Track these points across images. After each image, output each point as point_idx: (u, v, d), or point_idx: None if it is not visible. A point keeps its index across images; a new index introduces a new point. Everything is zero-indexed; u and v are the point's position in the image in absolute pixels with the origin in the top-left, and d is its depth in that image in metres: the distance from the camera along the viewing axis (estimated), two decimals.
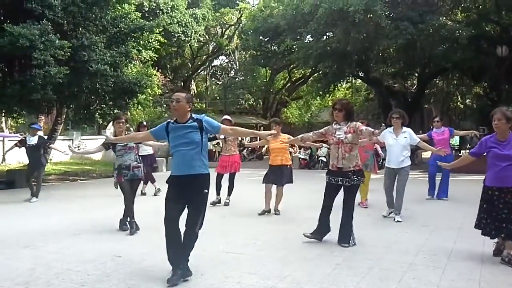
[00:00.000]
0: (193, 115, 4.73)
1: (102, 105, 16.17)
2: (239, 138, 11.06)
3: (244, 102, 37.79)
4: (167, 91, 27.08)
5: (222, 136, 9.44)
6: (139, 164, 6.99)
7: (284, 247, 5.83)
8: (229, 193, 9.35)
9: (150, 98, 18.38)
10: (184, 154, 4.63)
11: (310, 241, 5.91)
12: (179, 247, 4.54)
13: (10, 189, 12.49)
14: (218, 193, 9.27)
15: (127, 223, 6.87)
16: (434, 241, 6.06)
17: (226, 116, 9.58)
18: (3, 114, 18.38)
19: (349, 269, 4.82)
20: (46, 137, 14.59)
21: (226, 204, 9.22)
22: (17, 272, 4.84)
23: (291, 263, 5.07)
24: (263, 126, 32.55)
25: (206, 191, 4.64)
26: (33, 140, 10.41)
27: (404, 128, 7.55)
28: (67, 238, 6.46)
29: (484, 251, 5.45)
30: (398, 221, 7.31)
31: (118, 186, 6.93)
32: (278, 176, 8.05)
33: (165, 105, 26.79)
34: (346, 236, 5.82)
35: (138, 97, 16.44)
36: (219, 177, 9.26)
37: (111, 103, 15.73)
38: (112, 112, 16.59)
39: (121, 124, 6.92)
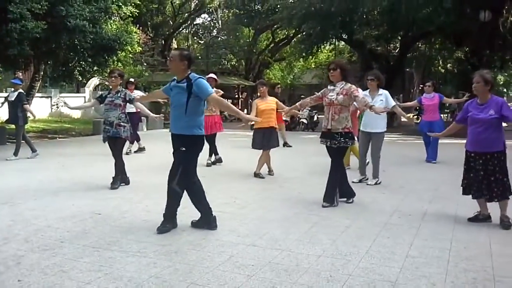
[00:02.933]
0: (191, 75, 4.69)
1: (81, 62, 15.84)
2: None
3: (226, 63, 37.39)
4: (147, 49, 26.58)
5: None
6: (124, 124, 6.86)
7: (263, 206, 5.91)
8: (210, 154, 9.27)
9: (130, 55, 18.09)
10: (172, 113, 4.78)
11: (289, 200, 6.00)
12: (173, 201, 4.76)
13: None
14: (210, 155, 9.21)
15: (116, 181, 6.94)
16: (410, 202, 6.20)
17: (211, 75, 9.36)
18: None
19: (326, 227, 4.92)
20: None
21: (208, 165, 9.14)
22: None
23: (270, 222, 5.15)
24: (245, 87, 32.40)
25: (183, 149, 4.66)
26: (12, 96, 10.14)
27: (381, 91, 7.36)
28: (46, 195, 6.43)
29: (457, 212, 5.60)
30: (368, 184, 7.34)
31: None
32: (265, 140, 7.91)
33: (145, 64, 26.35)
34: (328, 196, 5.86)
35: (118, 54, 16.14)
36: (210, 138, 9.01)
37: (90, 60, 15.40)
38: (91, 70, 16.32)
39: (113, 78, 6.91)
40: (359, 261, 3.91)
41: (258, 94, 8.15)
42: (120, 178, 6.99)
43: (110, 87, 7.10)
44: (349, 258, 3.99)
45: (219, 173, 8.37)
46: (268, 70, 38.22)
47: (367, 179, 7.53)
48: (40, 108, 23.59)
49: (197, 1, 35.80)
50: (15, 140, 10.35)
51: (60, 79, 17.81)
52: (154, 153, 11.08)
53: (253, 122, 7.50)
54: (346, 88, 5.73)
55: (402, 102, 17.12)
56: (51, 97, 25.49)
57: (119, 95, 6.90)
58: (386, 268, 3.77)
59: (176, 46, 38.81)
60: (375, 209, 5.77)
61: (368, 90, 7.46)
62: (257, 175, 7.91)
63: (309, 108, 21.54)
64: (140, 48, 20.61)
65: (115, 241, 4.42)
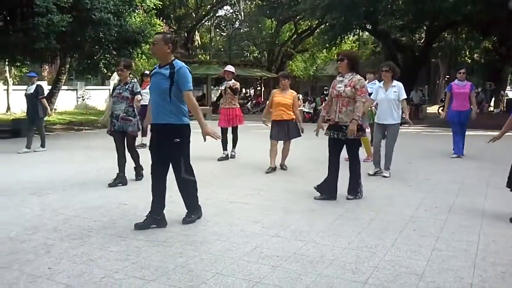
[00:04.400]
0: (175, 62, 4.52)
1: (106, 55, 16.05)
2: (244, 90, 10.84)
3: (249, 54, 37.35)
4: None
5: (222, 87, 9.24)
6: (130, 118, 6.65)
7: (287, 198, 5.91)
8: (234, 146, 9.22)
9: None
10: (153, 101, 4.61)
11: (313, 193, 5.96)
12: (158, 194, 4.65)
13: (16, 138, 12.56)
14: (224, 148, 9.05)
15: (139, 172, 7.00)
16: (436, 194, 6.11)
17: (229, 67, 9.24)
18: (6, 63, 18.28)
19: (351, 220, 4.89)
20: (50, 87, 14.49)
21: (232, 156, 9.14)
22: (26, 218, 4.95)
23: (294, 213, 5.15)
24: (268, 79, 32.31)
25: (178, 140, 4.51)
26: (30, 89, 10.21)
27: (395, 82, 7.27)
28: (73, 186, 6.55)
29: (484, 205, 5.51)
30: (384, 176, 7.20)
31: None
32: (283, 131, 7.78)
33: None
34: (352, 188, 5.83)
35: (142, 47, 16.27)
36: (223, 132, 9.01)
37: (114, 52, 15.59)
38: (116, 62, 16.49)
39: (119, 71, 6.80)
40: (384, 254, 3.88)
41: (280, 86, 8.05)
42: (120, 177, 6.73)
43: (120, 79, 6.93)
44: (375, 250, 3.97)
45: (243, 165, 8.39)
46: (290, 62, 37.99)
47: (381, 172, 7.39)
48: (66, 100, 24.10)
49: None
50: (38, 133, 10.44)
51: (86, 72, 18.07)
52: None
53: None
54: (354, 81, 5.59)
55: (428, 93, 16.86)
56: (76, 89, 25.91)
57: (126, 87, 6.71)
58: (412, 261, 3.73)
59: (198, 39, 38.98)
60: (401, 202, 5.71)
61: (383, 81, 7.40)
62: (272, 169, 7.75)
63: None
64: None
65: (141, 231, 4.48)
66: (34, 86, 10.21)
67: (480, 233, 4.45)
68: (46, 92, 11.66)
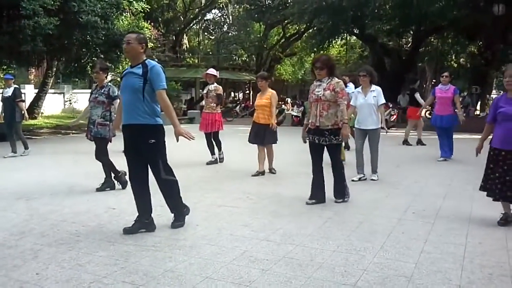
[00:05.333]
0: (147, 61, 4.43)
1: (93, 58, 15.95)
2: (232, 94, 10.79)
3: (237, 58, 37.37)
4: (159, 45, 26.66)
5: (204, 91, 9.05)
6: (106, 122, 6.38)
7: (276, 201, 5.92)
8: (219, 149, 9.04)
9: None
10: (126, 101, 4.46)
11: (302, 196, 5.97)
12: (141, 199, 4.60)
13: (1, 142, 12.38)
14: (212, 153, 8.95)
15: (121, 180, 6.59)
16: (424, 197, 6.16)
17: (211, 70, 9.02)
18: None
19: (339, 223, 4.91)
20: (37, 90, 14.35)
21: (221, 160, 9.04)
22: (13, 223, 4.89)
23: (283, 216, 5.15)
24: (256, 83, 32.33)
25: (153, 141, 4.41)
26: (7, 92, 9.83)
27: (373, 87, 7.20)
28: (61, 191, 6.50)
29: (472, 208, 5.56)
30: (372, 180, 7.19)
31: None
32: (259, 136, 7.69)
33: (156, 59, 26.42)
34: (338, 192, 5.84)
35: None
36: (207, 136, 8.91)
37: (102, 56, 15.50)
38: None
39: (95, 74, 6.56)
40: (373, 256, 3.90)
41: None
42: (108, 181, 6.59)
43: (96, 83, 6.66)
44: (364, 253, 3.98)
45: (232, 169, 8.38)
46: (279, 66, 38.09)
47: (365, 178, 7.34)
48: (53, 104, 23.87)
49: None
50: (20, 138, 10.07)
51: (73, 75, 17.96)
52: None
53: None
54: (333, 84, 5.56)
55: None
56: (64, 93, 25.70)
57: (102, 91, 6.42)
58: (401, 263, 3.76)
59: (187, 42, 38.89)
60: (389, 205, 5.74)
61: (361, 86, 7.34)
62: (259, 173, 7.69)
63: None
64: (152, 44, 20.68)
65: (130, 235, 4.45)
66: (11, 89, 9.83)
67: (467, 236, 4.49)
68: (32, 95, 11.50)
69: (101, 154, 6.52)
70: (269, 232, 4.58)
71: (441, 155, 9.42)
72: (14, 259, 3.84)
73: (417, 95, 12.30)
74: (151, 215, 4.66)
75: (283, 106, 22.83)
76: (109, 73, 22.31)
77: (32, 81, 25.57)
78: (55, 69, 18.47)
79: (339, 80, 5.67)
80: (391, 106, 18.41)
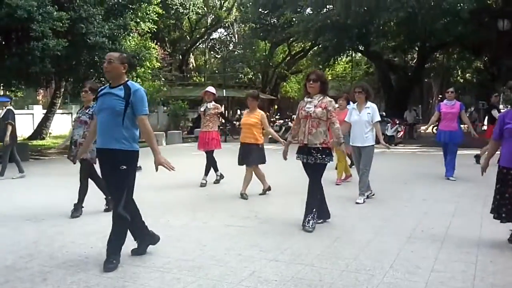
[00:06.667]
0: (129, 83, 4.24)
1: (101, 78, 16.09)
2: (238, 112, 10.73)
3: (243, 76, 37.58)
4: (165, 64, 26.90)
5: (202, 109, 8.78)
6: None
7: (284, 220, 5.90)
8: (206, 173, 8.63)
9: (149, 71, 18.32)
10: (103, 123, 4.19)
11: None
12: (133, 220, 4.31)
13: (10, 163, 12.45)
14: (216, 170, 8.80)
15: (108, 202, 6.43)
16: (433, 215, 6.12)
17: (209, 88, 8.85)
18: (1, 88, 18.31)
19: (348, 243, 4.88)
20: (45, 111, 14.44)
21: (202, 185, 8.41)
22: (21, 245, 4.90)
23: (292, 236, 5.13)
24: (262, 100, 32.44)
25: (124, 167, 4.11)
26: (1, 114, 9.72)
27: (368, 103, 7.05)
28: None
29: (482, 225, 5.51)
30: (357, 203, 6.82)
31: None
32: (246, 157, 7.46)
33: (163, 79, 26.66)
34: (305, 217, 5.49)
35: (137, 70, 16.37)
36: (207, 155, 8.73)
37: None
38: None
39: (83, 93, 6.42)
40: (383, 276, 3.87)
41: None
42: (110, 200, 6.20)
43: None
44: (373, 272, 3.96)
45: (238, 187, 8.35)
46: (285, 83, 38.29)
47: (373, 194, 7.26)
48: (61, 124, 24.05)
49: (213, 16, 36.21)
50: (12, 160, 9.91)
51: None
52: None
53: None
54: (325, 102, 5.43)
55: (421, 112, 17.00)
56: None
57: (87, 111, 6.28)
58: (411, 282, 3.72)
59: (193, 61, 39.23)
60: (398, 223, 5.71)
61: (356, 103, 7.24)
62: (241, 195, 7.41)
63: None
64: (159, 64, 20.90)
65: (139, 256, 4.44)
66: (5, 110, 9.74)
67: (478, 254, 4.45)
68: (41, 115, 11.47)
69: (81, 176, 6.41)
70: (277, 252, 4.56)
71: (446, 173, 9.23)
72: (24, 282, 3.84)
73: (495, 112, 11.42)
74: (148, 229, 4.53)
75: (289, 123, 22.86)
76: None
77: (41, 102, 25.82)
78: (63, 89, 18.65)
79: (331, 99, 5.55)
80: (398, 122, 18.42)
